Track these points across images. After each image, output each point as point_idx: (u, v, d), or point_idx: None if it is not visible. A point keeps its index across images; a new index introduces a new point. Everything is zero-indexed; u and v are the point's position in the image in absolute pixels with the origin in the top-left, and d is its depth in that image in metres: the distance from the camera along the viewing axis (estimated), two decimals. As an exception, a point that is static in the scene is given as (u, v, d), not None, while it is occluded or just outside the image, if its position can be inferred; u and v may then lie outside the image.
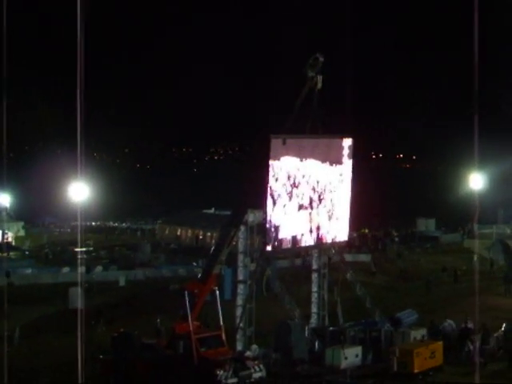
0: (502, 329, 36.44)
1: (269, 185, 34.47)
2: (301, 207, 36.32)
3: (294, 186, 35.75)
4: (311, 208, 36.98)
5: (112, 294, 53.36)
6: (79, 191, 38.83)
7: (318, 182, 37.30)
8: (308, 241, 37.63)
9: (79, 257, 48.21)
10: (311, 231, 37.43)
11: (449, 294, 50.65)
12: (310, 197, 36.87)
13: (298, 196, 36.07)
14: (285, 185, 35.29)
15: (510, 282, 53.17)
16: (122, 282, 59.07)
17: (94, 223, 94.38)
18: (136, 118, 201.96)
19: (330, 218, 38.34)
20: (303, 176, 36.33)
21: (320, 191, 37.45)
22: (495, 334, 34.92)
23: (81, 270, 52.74)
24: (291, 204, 35.86)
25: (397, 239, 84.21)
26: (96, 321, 42.27)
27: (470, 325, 35.46)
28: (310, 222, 37.19)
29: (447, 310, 41.03)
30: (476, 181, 49.87)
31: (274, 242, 35.39)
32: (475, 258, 60.06)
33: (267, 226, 34.76)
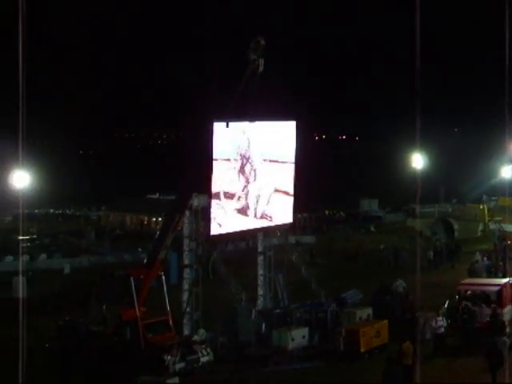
0: (446, 306, 36.99)
1: (212, 169, 34.54)
2: (233, 196, 36.50)
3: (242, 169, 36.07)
4: (247, 195, 37.16)
5: (57, 282, 52.86)
6: (21, 179, 38.29)
7: (256, 169, 37.49)
8: (251, 225, 37.93)
9: (21, 245, 47.61)
10: (254, 215, 37.68)
11: (390, 273, 51.23)
12: (248, 181, 37.06)
13: (237, 180, 36.28)
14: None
15: (454, 259, 54.55)
16: (66, 270, 58.62)
17: (36, 211, 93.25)
18: (78, 105, 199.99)
19: (270, 202, 38.50)
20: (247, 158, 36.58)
21: (256, 174, 37.60)
22: (439, 311, 35.41)
23: (24, 258, 52.13)
24: (233, 187, 36.06)
25: (341, 219, 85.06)
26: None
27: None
28: (250, 206, 37.43)
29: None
30: (417, 160, 50.37)
31: (217, 226, 35.53)
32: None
33: (211, 210, 34.86)
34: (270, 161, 38.29)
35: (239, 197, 36.57)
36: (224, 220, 35.77)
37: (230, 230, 36.88)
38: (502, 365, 28.02)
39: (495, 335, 31.42)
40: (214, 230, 35.41)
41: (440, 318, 34.37)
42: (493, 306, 35.62)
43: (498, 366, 28.20)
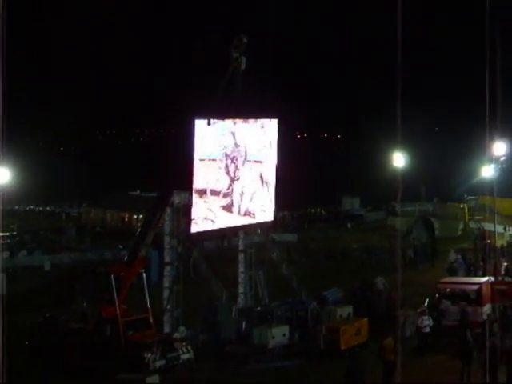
0: (425, 304, 37.14)
1: (193, 167, 34.52)
2: (219, 193, 36.55)
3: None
4: (232, 192, 37.23)
5: (37, 279, 52.72)
6: (1, 175, 38.17)
7: (240, 168, 37.55)
8: (235, 222, 37.97)
9: (0, 241, 47.44)
10: (237, 212, 37.75)
11: (369, 271, 51.43)
12: (231, 178, 37.13)
13: (218, 180, 36.27)
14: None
15: (434, 257, 54.87)
16: (47, 267, 58.38)
17: (17, 207, 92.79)
18: (60, 101, 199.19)
19: (253, 200, 38.55)
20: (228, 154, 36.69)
21: (240, 173, 37.63)
22: (418, 310, 35.57)
23: (4, 254, 51.87)
24: (218, 185, 36.11)
25: (323, 217, 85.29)
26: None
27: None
28: (235, 203, 37.48)
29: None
30: (398, 159, 50.48)
31: (198, 224, 35.53)
32: None
33: (192, 207, 34.83)
34: (254, 161, 38.34)
35: (224, 193, 36.57)
36: (210, 217, 35.73)
37: (216, 227, 36.79)
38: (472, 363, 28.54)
39: (465, 333, 31.50)
40: (199, 226, 35.35)
41: (426, 318, 34.39)
42: (462, 303, 35.73)
43: (468, 364, 28.63)
